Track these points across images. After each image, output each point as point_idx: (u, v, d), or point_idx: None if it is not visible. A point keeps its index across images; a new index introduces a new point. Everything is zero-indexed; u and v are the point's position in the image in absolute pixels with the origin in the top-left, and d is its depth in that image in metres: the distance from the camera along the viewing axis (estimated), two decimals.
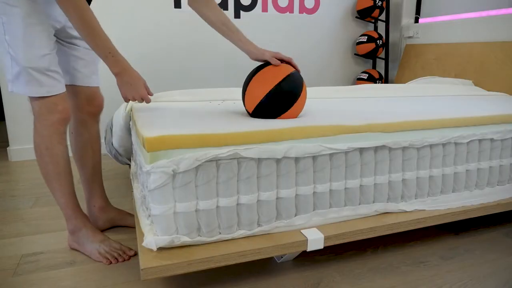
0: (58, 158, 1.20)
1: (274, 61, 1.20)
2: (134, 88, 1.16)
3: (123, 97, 1.18)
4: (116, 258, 1.25)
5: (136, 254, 1.29)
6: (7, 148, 2.47)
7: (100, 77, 1.41)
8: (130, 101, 1.47)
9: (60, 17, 1.19)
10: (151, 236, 0.99)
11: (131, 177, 1.56)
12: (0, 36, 1.09)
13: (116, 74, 1.14)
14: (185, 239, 1.00)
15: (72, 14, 1.05)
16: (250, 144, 1.02)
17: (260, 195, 1.06)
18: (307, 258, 1.28)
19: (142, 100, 1.18)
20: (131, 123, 1.50)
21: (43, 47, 1.12)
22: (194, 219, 1.01)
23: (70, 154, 1.35)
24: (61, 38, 1.25)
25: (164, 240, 0.98)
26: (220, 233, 1.05)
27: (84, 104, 1.35)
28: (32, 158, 2.48)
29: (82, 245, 1.29)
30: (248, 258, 1.03)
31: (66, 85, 1.27)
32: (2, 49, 1.11)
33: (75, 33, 1.26)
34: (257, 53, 1.25)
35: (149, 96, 1.20)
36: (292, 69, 1.21)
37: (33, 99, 1.15)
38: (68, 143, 1.35)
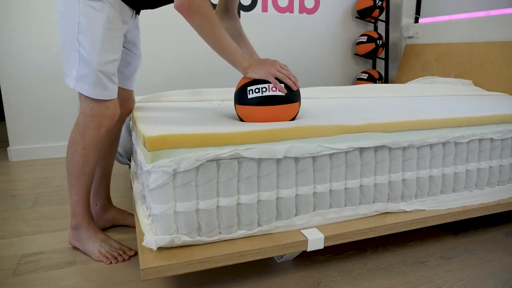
0: (90, 160, 1.22)
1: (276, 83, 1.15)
2: (267, 65, 1.14)
3: (268, 78, 1.13)
4: (116, 258, 1.25)
5: (136, 254, 1.29)
6: (7, 148, 2.47)
7: None
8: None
9: (129, 22, 1.22)
10: (151, 235, 0.99)
11: (131, 177, 1.56)
12: (72, 35, 1.10)
13: (246, 68, 1.14)
14: (185, 239, 1.00)
15: (203, 32, 1.11)
16: (251, 144, 1.02)
17: (260, 195, 1.06)
18: (307, 258, 1.28)
19: (282, 73, 1.13)
20: (131, 123, 1.50)
21: (116, 52, 1.15)
22: (194, 218, 1.01)
23: None
24: None
25: (164, 239, 0.98)
26: (220, 233, 1.05)
27: (123, 107, 1.36)
28: (32, 158, 2.48)
29: (83, 243, 1.30)
30: (248, 258, 1.03)
31: None
32: (68, 47, 1.12)
33: (131, 38, 1.30)
34: None
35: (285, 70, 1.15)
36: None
37: (89, 99, 1.15)
38: None
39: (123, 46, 1.27)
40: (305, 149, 1.07)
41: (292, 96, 1.15)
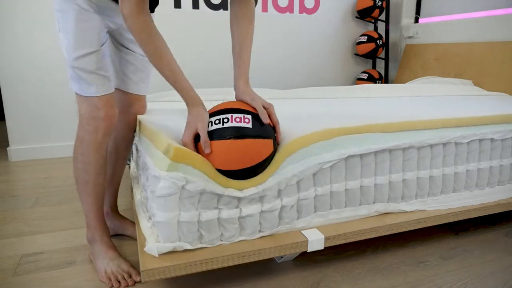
0: (90, 167, 1.15)
1: (263, 115, 1.00)
2: (186, 129, 1.00)
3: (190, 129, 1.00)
4: (119, 282, 1.15)
5: (141, 281, 1.18)
6: (7, 148, 2.47)
7: None
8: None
9: (118, 19, 1.15)
10: (153, 242, 0.98)
11: (131, 178, 1.56)
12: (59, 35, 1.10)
13: (189, 104, 1.04)
14: (188, 247, 0.99)
15: (153, 60, 1.05)
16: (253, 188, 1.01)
17: (263, 205, 1.05)
18: (307, 258, 1.28)
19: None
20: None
21: (90, 46, 1.08)
22: (197, 228, 1.00)
23: None
24: (115, 39, 1.22)
25: (166, 247, 0.97)
26: (221, 240, 1.04)
27: (125, 111, 1.29)
28: (32, 158, 2.48)
29: (94, 258, 1.23)
30: (249, 259, 1.03)
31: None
32: None
33: (129, 36, 1.21)
34: (246, 97, 1.06)
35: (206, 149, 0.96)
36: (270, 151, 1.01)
37: (81, 98, 1.11)
38: None
39: (123, 45, 1.22)
40: (307, 169, 1.07)
41: (262, 131, 0.98)
